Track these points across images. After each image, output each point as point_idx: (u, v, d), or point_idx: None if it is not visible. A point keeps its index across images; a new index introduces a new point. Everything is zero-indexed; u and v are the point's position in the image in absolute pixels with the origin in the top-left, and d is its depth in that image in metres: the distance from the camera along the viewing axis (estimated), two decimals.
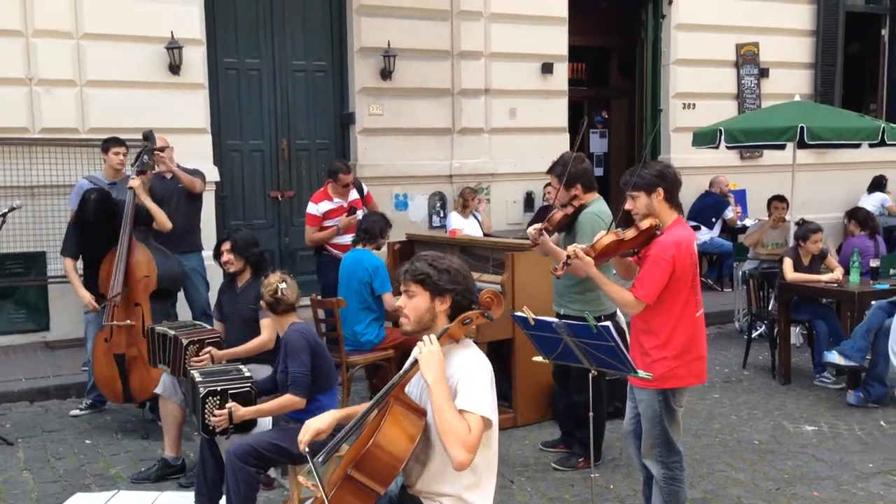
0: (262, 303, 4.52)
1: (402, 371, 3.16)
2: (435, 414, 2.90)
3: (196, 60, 8.50)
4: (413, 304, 3.09)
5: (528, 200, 10.39)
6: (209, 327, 5.29)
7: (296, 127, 9.34)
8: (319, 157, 9.45)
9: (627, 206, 4.06)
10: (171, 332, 5.05)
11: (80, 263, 6.31)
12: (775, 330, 7.51)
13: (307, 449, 3.08)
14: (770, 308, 7.85)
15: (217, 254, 5.43)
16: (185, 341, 4.95)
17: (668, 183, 4.03)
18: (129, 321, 5.82)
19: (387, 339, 6.30)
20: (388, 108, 9.54)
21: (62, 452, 5.64)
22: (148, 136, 6.55)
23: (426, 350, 2.96)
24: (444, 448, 2.89)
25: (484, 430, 2.93)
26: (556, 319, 3.83)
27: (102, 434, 6.00)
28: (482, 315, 3.12)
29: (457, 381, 2.99)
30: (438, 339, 3.03)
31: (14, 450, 5.66)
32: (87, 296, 6.06)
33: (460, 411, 2.90)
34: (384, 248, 7.15)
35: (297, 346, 4.26)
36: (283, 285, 4.43)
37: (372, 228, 6.37)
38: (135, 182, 6.10)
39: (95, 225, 6.06)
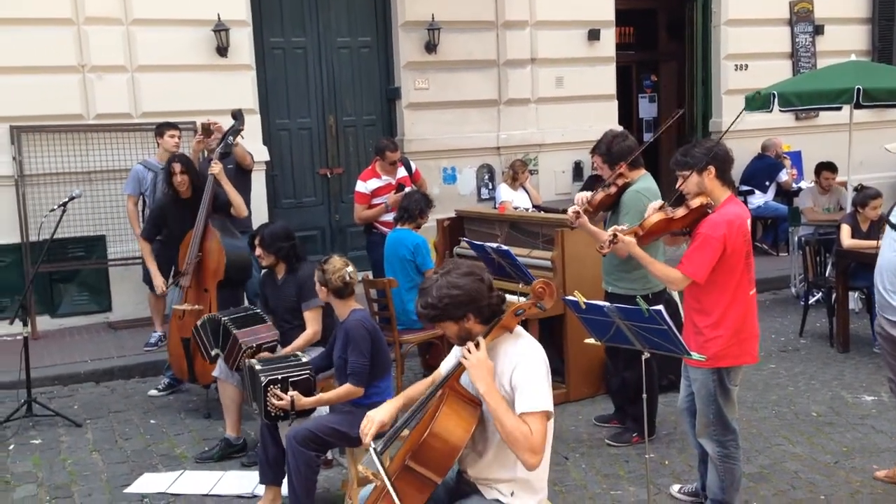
0: (323, 289, 4.50)
1: (455, 363, 3.18)
2: (495, 423, 2.94)
3: (243, 41, 8.57)
4: (448, 332, 3.14)
5: (577, 170, 10.31)
6: (266, 324, 5.16)
7: (342, 104, 9.38)
8: (367, 133, 9.49)
9: (679, 185, 4.02)
10: (233, 329, 5.00)
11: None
12: (833, 297, 7.39)
13: (372, 444, 3.12)
14: (827, 275, 7.71)
15: (252, 246, 5.51)
16: (244, 346, 4.91)
17: (719, 160, 3.98)
18: (197, 305, 5.96)
19: None
20: (434, 82, 9.52)
21: (129, 433, 5.84)
22: (237, 115, 6.55)
23: (473, 360, 2.98)
24: (514, 454, 2.93)
25: (547, 422, 2.97)
26: (607, 304, 3.82)
27: (166, 414, 6.19)
28: (535, 305, 3.15)
29: (511, 375, 3.01)
30: (487, 334, 3.06)
31: (83, 431, 5.87)
32: (159, 279, 6.32)
33: (521, 415, 2.93)
34: (434, 224, 7.21)
35: (359, 336, 4.31)
36: (350, 269, 4.45)
37: (412, 208, 6.38)
38: (215, 168, 6.12)
39: (180, 200, 6.21)
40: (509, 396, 2.99)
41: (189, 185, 6.22)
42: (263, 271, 5.62)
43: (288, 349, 5.10)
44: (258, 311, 5.40)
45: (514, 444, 2.90)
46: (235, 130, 6.43)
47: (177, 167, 6.18)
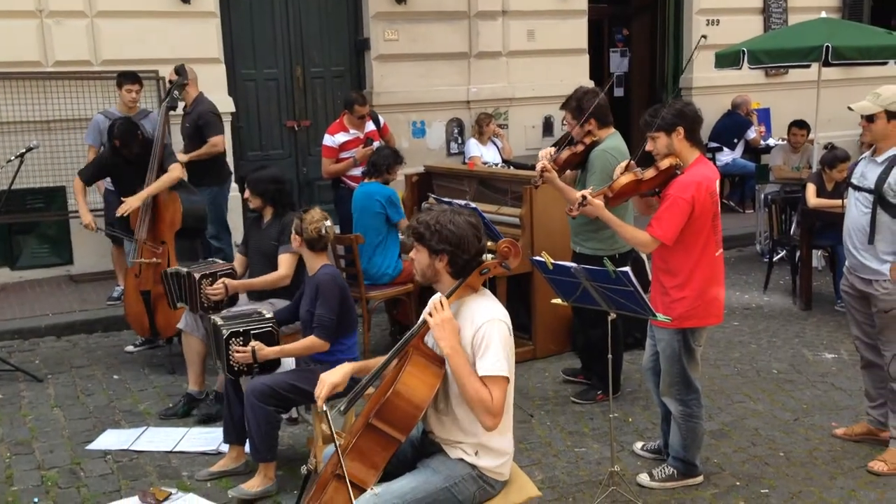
0: (297, 237, 4.45)
1: (419, 322, 3.17)
2: (457, 384, 2.98)
3: None
4: (418, 258, 3.15)
5: (547, 125, 10.25)
6: (221, 262, 5.38)
7: (310, 54, 9.19)
8: (335, 85, 9.32)
9: (648, 147, 4.00)
10: (184, 270, 5.13)
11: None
12: (796, 255, 7.47)
13: (324, 406, 3.11)
14: (792, 233, 7.78)
15: (242, 190, 5.49)
16: (197, 276, 5.02)
17: (688, 121, 3.97)
18: (154, 259, 5.89)
19: (405, 272, 6.32)
20: (404, 33, 9.35)
21: (91, 388, 5.77)
22: (180, 70, 6.47)
23: (438, 318, 2.99)
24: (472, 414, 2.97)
25: (506, 386, 2.99)
26: (574, 265, 3.81)
27: (129, 369, 6.12)
28: (500, 265, 3.13)
29: (473, 338, 3.02)
30: (452, 294, 3.06)
31: (44, 386, 5.80)
32: (86, 216, 6.15)
33: (482, 377, 2.95)
34: (402, 179, 7.14)
35: (328, 291, 4.26)
36: (328, 223, 4.40)
37: (380, 163, 6.33)
38: (128, 206, 5.89)
39: (128, 155, 6.02)
40: (471, 358, 3.01)
41: (136, 154, 6.05)
42: (251, 217, 5.57)
43: (253, 281, 5.12)
44: (216, 260, 5.52)
45: (473, 405, 2.96)
46: (180, 85, 6.35)
47: (117, 142, 6.01)
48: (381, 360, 3.27)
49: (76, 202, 6.33)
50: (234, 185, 7.84)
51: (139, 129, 6.11)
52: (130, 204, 5.86)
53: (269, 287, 5.12)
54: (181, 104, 6.78)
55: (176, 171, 6.01)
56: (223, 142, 7.19)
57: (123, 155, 6.02)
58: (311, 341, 4.29)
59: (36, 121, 7.78)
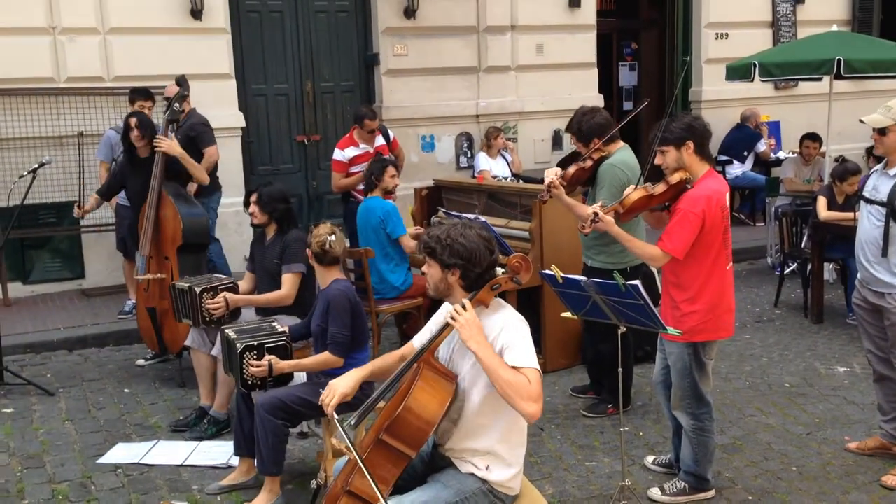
0: (308, 251, 4.49)
1: (431, 336, 3.17)
2: (491, 377, 2.93)
3: (218, 4, 8.40)
4: (430, 272, 3.15)
5: (556, 139, 10.26)
6: (223, 276, 5.41)
7: (320, 69, 9.24)
8: (344, 100, 9.37)
9: (657, 160, 4.00)
10: (186, 285, 5.14)
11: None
12: (808, 268, 7.44)
13: (335, 414, 3.12)
14: (803, 246, 7.76)
15: (246, 203, 5.48)
16: (198, 290, 5.03)
17: (698, 135, 3.97)
18: (159, 274, 5.90)
19: (415, 286, 6.32)
20: (413, 48, 9.39)
21: (102, 402, 5.79)
22: (181, 81, 6.45)
23: (462, 320, 2.97)
24: (511, 406, 2.92)
25: (539, 377, 2.95)
26: (584, 278, 3.81)
27: (140, 383, 6.14)
28: (511, 280, 3.13)
29: (497, 341, 3.01)
30: (470, 301, 3.04)
31: (55, 400, 5.81)
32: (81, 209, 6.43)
33: (513, 368, 2.93)
34: (412, 193, 7.15)
35: (340, 306, 4.27)
36: (332, 237, 4.40)
37: (368, 175, 6.39)
38: (163, 145, 5.92)
39: (136, 141, 6.01)
40: None
41: (146, 145, 6.04)
42: (255, 233, 5.59)
43: (256, 297, 5.15)
44: (219, 276, 5.54)
45: (513, 394, 2.87)
46: (181, 96, 6.30)
47: (132, 121, 6.02)
48: (387, 360, 3.28)
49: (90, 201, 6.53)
50: (239, 199, 7.85)
51: (156, 128, 6.14)
52: (168, 143, 5.92)
53: (272, 305, 5.14)
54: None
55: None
56: (217, 151, 7.24)
57: (131, 141, 6.00)
58: (325, 357, 4.30)
59: (48, 136, 7.84)
